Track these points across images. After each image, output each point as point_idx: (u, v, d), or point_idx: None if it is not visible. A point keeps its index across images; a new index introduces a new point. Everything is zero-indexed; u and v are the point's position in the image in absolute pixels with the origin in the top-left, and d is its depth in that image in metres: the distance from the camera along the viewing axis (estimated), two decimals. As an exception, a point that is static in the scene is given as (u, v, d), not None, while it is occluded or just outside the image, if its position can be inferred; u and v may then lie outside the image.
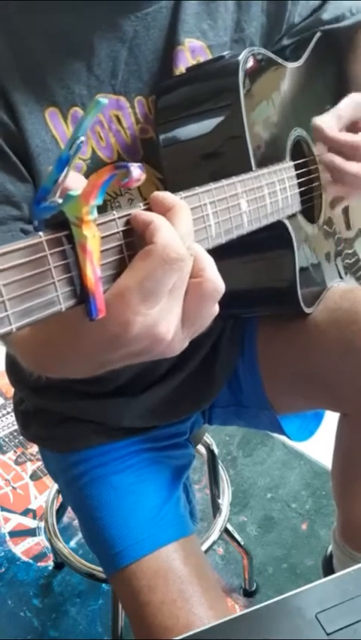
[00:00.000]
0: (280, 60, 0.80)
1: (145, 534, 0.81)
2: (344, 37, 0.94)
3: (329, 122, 0.75)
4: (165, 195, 0.47)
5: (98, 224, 0.42)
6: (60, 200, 0.40)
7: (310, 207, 0.84)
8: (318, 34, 0.91)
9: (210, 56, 0.77)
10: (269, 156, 0.73)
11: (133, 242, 0.46)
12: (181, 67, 0.75)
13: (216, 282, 0.47)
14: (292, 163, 0.77)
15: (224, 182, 0.57)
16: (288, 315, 0.87)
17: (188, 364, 0.89)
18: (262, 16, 0.80)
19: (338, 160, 0.75)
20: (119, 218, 0.45)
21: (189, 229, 0.47)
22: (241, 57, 0.70)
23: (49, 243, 0.39)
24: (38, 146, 0.68)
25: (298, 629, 0.55)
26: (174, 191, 0.73)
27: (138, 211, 0.46)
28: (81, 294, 0.41)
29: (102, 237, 0.43)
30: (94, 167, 0.73)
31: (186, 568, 0.79)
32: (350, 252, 0.98)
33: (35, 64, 0.67)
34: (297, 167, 0.78)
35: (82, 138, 0.40)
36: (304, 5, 0.86)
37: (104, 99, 0.40)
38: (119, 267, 0.45)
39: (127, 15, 0.70)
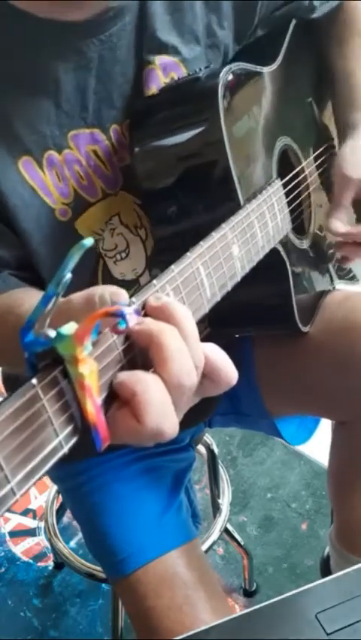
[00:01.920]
0: (257, 68, 0.76)
1: (148, 541, 0.81)
2: (322, 22, 0.90)
3: (339, 221, 0.78)
4: (142, 330, 0.41)
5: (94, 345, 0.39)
6: (52, 334, 0.37)
7: (299, 220, 0.82)
8: (293, 24, 0.86)
9: (184, 71, 0.72)
10: (256, 180, 0.69)
11: (130, 347, 0.42)
12: (153, 88, 0.71)
13: (232, 379, 0.45)
14: (280, 182, 0.73)
15: (214, 235, 0.53)
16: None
17: None
18: (232, 14, 0.76)
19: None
20: (117, 338, 0.41)
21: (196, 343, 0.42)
22: (218, 80, 0.64)
23: (44, 388, 0.35)
24: (17, 206, 0.65)
25: (298, 629, 0.55)
26: (156, 229, 0.69)
27: (120, 380, 0.40)
28: (83, 430, 0.39)
29: (97, 355, 0.39)
30: (79, 209, 0.70)
31: (191, 573, 0.79)
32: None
33: (0, 114, 0.64)
34: (285, 183, 0.75)
35: (69, 276, 0.38)
36: None
37: (89, 240, 0.37)
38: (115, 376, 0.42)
39: (90, 40, 0.65)
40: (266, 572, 1.41)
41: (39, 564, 1.47)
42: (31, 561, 1.48)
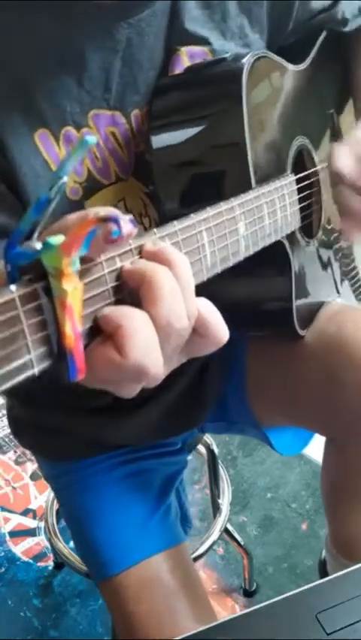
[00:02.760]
0: (284, 63, 0.77)
1: (132, 544, 0.81)
2: (351, 37, 0.91)
3: (349, 164, 0.72)
4: (135, 269, 0.40)
5: (83, 263, 0.37)
6: (38, 246, 0.35)
7: (308, 220, 0.81)
8: (324, 34, 0.87)
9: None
10: (270, 169, 0.69)
11: (120, 286, 0.40)
12: None
13: (222, 337, 0.43)
14: (293, 177, 0.73)
15: (223, 205, 0.52)
16: (277, 337, 0.84)
17: (175, 386, 0.87)
18: (265, 18, 0.77)
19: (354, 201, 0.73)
20: (106, 260, 0.39)
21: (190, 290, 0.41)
22: (245, 61, 0.65)
23: (22, 298, 0.34)
24: (27, 175, 0.64)
25: (298, 629, 0.55)
26: (165, 204, 0.66)
27: (106, 313, 0.39)
28: (58, 354, 0.36)
29: (85, 283, 0.37)
30: (90, 190, 0.69)
31: (174, 579, 0.79)
32: (347, 260, 0.96)
33: (23, 84, 0.63)
34: (298, 179, 0.75)
35: (65, 178, 0.35)
36: (315, 3, 0.82)
37: (92, 137, 0.35)
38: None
39: (119, 22, 0.65)
40: (266, 572, 1.41)
41: (39, 564, 1.47)
42: (31, 561, 1.48)
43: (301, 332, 0.79)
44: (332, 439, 0.89)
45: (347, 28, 0.89)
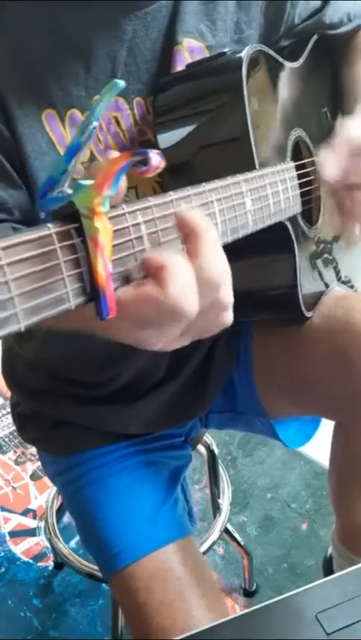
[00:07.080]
0: (280, 59, 0.79)
1: (142, 535, 0.81)
2: (340, 42, 0.94)
3: (335, 168, 0.75)
4: (192, 217, 0.43)
5: (109, 218, 0.40)
6: (69, 191, 0.38)
7: (308, 209, 0.83)
8: (315, 37, 0.90)
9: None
10: (271, 156, 0.72)
11: (143, 237, 0.44)
12: (180, 68, 0.73)
13: (229, 301, 0.46)
14: (293, 164, 0.76)
15: (229, 179, 0.56)
16: (283, 322, 0.86)
17: (183, 372, 0.88)
18: (260, 18, 0.80)
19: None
20: (129, 213, 0.43)
21: (215, 269, 0.43)
22: (243, 54, 0.69)
23: (58, 235, 0.37)
24: (34, 150, 0.67)
25: (298, 629, 0.55)
26: (168, 185, 0.68)
27: (150, 255, 0.42)
28: (91, 292, 0.39)
29: (114, 231, 0.40)
30: None
31: (185, 569, 0.79)
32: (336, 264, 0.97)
33: (33, 66, 0.66)
34: (297, 167, 0.77)
35: (95, 123, 0.38)
36: (304, 7, 0.85)
37: (121, 81, 0.38)
38: (130, 264, 0.43)
39: (127, 14, 0.69)
40: (266, 572, 1.41)
41: (39, 564, 1.47)
42: (31, 561, 1.48)
43: (307, 313, 0.81)
44: (340, 423, 0.90)
45: (340, 30, 0.91)
